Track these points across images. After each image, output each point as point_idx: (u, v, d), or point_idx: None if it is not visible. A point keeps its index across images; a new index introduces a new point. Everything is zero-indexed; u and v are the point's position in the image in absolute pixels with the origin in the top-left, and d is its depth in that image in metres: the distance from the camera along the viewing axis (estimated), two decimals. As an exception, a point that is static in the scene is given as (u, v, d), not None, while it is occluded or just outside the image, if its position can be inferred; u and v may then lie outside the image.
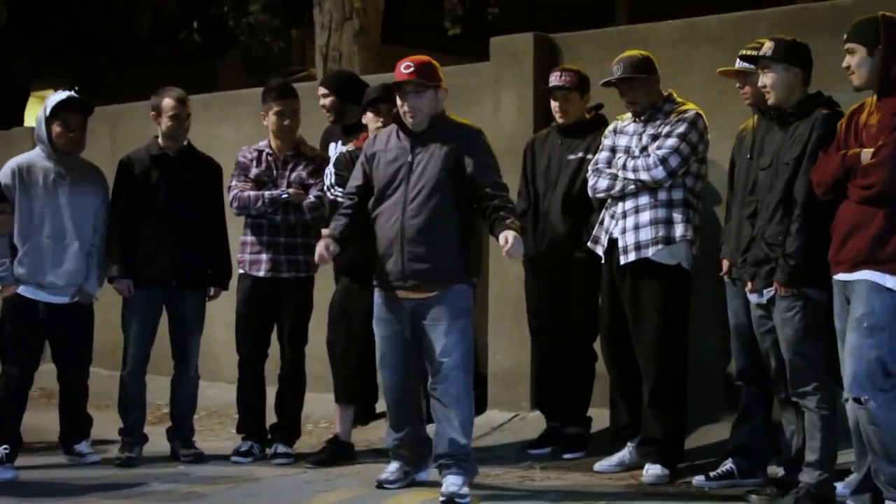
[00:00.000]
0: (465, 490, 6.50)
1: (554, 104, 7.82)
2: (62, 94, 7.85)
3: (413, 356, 6.81)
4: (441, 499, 6.43)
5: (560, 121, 7.83)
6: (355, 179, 6.98)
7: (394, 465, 6.97)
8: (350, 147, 7.69)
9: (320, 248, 6.79)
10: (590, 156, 7.54)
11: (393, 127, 6.91)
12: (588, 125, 7.79)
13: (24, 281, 7.58)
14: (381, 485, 6.86)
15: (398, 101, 6.76)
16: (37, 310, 7.65)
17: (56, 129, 7.68)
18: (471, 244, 6.89)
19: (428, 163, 6.69)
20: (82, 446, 7.93)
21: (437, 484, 6.60)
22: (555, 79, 7.77)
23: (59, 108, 7.70)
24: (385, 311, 6.82)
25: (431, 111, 6.75)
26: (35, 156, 7.78)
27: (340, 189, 7.47)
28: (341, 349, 7.68)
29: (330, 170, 7.67)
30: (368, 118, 7.57)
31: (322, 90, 8.22)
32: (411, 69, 6.69)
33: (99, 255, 7.86)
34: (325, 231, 7.07)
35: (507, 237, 6.40)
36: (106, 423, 8.76)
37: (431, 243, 6.64)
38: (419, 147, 6.74)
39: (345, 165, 7.55)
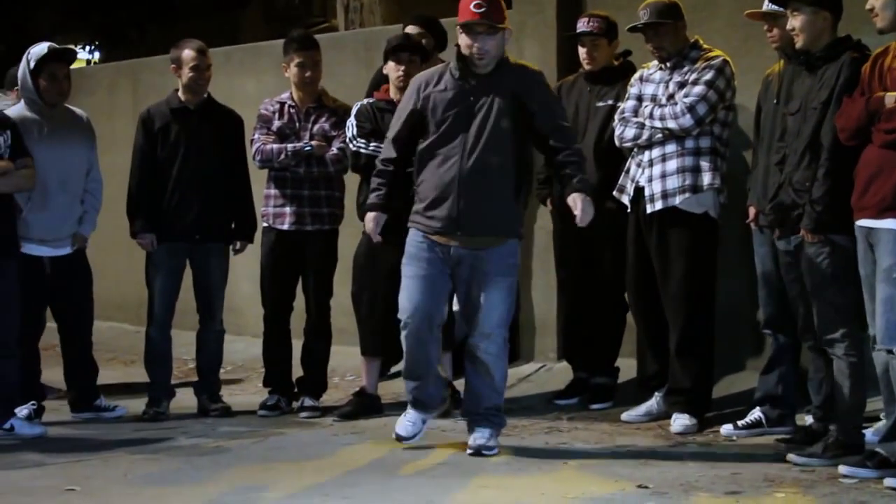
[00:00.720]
0: (493, 442, 6.45)
1: (581, 50, 7.77)
2: (44, 46, 7.75)
3: (441, 302, 6.67)
4: (469, 451, 6.40)
5: (588, 67, 7.77)
6: (397, 133, 6.67)
7: (412, 415, 6.74)
8: (371, 99, 7.65)
9: (370, 225, 6.69)
10: (619, 103, 7.48)
11: (445, 67, 6.64)
12: (617, 72, 7.76)
13: (27, 238, 7.51)
14: (399, 439, 6.68)
15: (464, 41, 6.44)
16: (43, 266, 7.63)
17: (43, 81, 7.61)
18: (524, 195, 6.78)
19: (491, 107, 6.43)
20: (102, 400, 7.92)
21: (462, 433, 6.62)
22: (582, 25, 7.73)
23: (43, 61, 7.63)
24: (422, 251, 6.54)
25: (499, 54, 6.49)
26: (20, 109, 7.69)
27: (363, 140, 7.45)
28: (367, 302, 7.67)
29: (351, 122, 7.63)
30: (390, 68, 7.52)
31: (418, 29, 8.12)
32: (483, 8, 6.35)
33: (93, 198, 7.83)
34: (370, 198, 6.81)
35: (577, 201, 6.32)
36: (133, 378, 8.82)
37: (488, 193, 6.43)
38: (481, 89, 6.47)
39: (367, 117, 7.54)
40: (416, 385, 6.69)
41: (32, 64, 7.62)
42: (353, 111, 7.68)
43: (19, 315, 7.29)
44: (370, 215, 6.72)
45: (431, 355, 6.66)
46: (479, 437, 6.46)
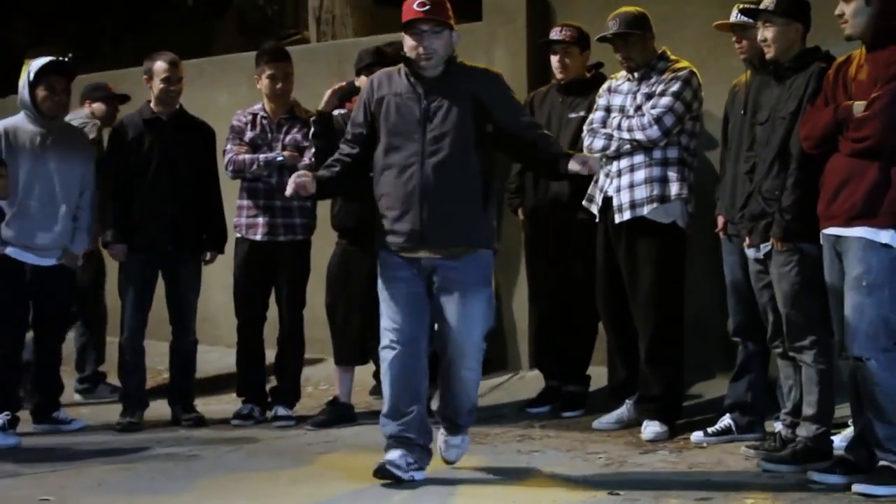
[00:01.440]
0: (465, 447, 6.37)
1: (554, 59, 7.78)
2: (45, 59, 7.81)
3: (424, 324, 6.19)
4: (446, 459, 6.33)
5: (560, 76, 7.79)
6: (357, 127, 6.25)
7: (396, 453, 6.07)
8: (343, 111, 7.63)
9: (297, 182, 6.08)
10: None
11: (398, 68, 6.22)
12: (589, 84, 7.76)
13: (11, 243, 7.53)
14: (379, 474, 6.04)
15: (409, 43, 6.07)
16: (24, 271, 7.62)
17: (41, 93, 7.66)
18: (493, 203, 6.28)
19: (448, 109, 6.03)
20: (61, 413, 7.91)
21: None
22: (555, 33, 7.75)
23: (42, 73, 7.67)
24: (395, 270, 6.14)
25: (446, 54, 6.09)
26: (20, 120, 7.74)
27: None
28: (342, 312, 7.68)
29: None
30: (362, 82, 7.51)
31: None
32: (426, 6, 6.00)
33: (85, 217, 7.84)
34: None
35: (580, 159, 6.01)
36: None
37: (453, 203, 6.01)
38: (435, 92, 6.06)
39: (340, 129, 7.51)
40: (400, 425, 6.11)
41: (32, 76, 7.66)
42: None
43: None
44: (303, 177, 6.15)
45: (419, 388, 6.19)
46: (451, 447, 6.34)
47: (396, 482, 5.95)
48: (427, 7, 6.00)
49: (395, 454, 6.04)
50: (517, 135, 6.15)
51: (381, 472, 6.01)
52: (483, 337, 6.23)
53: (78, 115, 8.49)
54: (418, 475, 6.08)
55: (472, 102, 6.06)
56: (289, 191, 6.14)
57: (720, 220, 6.85)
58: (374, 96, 6.19)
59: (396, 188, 6.08)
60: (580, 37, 7.72)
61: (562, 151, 6.19)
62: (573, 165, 5.96)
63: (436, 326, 6.26)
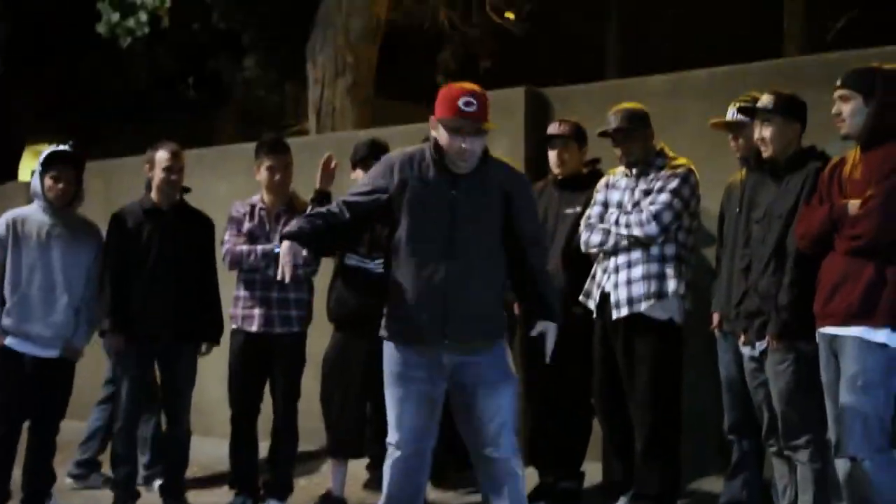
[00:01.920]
0: None
1: (552, 154, 7.79)
2: (52, 148, 7.86)
3: (434, 425, 5.92)
4: None
5: (557, 171, 7.78)
6: (359, 197, 5.93)
7: None
8: None
9: (286, 257, 5.78)
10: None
11: (422, 153, 5.94)
12: (585, 179, 7.77)
13: (11, 332, 7.53)
14: None
15: (447, 138, 5.77)
16: (23, 363, 7.60)
17: (48, 181, 7.69)
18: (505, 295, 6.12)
19: (480, 205, 5.83)
20: (54, 502, 7.88)
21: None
22: (554, 128, 7.78)
23: (50, 161, 7.71)
24: (407, 368, 5.85)
25: (481, 150, 5.86)
26: (32, 210, 7.78)
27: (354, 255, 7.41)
28: (338, 402, 7.65)
29: None
30: (357, 175, 7.55)
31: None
32: (473, 107, 5.72)
33: (88, 310, 7.83)
34: (291, 226, 6.05)
35: (550, 332, 5.96)
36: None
37: (478, 297, 5.79)
38: (464, 184, 5.82)
39: None
40: None
41: (41, 165, 7.72)
42: None
43: None
44: (286, 244, 5.84)
45: (420, 487, 6.02)
46: None
47: None
48: (474, 108, 5.74)
49: None
50: (523, 245, 5.93)
51: None
52: (513, 429, 5.92)
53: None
54: None
55: (501, 195, 5.85)
56: (287, 277, 5.82)
57: (716, 317, 6.86)
58: (395, 178, 5.87)
59: (419, 280, 5.81)
60: (578, 132, 7.75)
61: (551, 304, 6.00)
62: (542, 326, 5.95)
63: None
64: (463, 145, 5.74)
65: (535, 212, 6.28)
